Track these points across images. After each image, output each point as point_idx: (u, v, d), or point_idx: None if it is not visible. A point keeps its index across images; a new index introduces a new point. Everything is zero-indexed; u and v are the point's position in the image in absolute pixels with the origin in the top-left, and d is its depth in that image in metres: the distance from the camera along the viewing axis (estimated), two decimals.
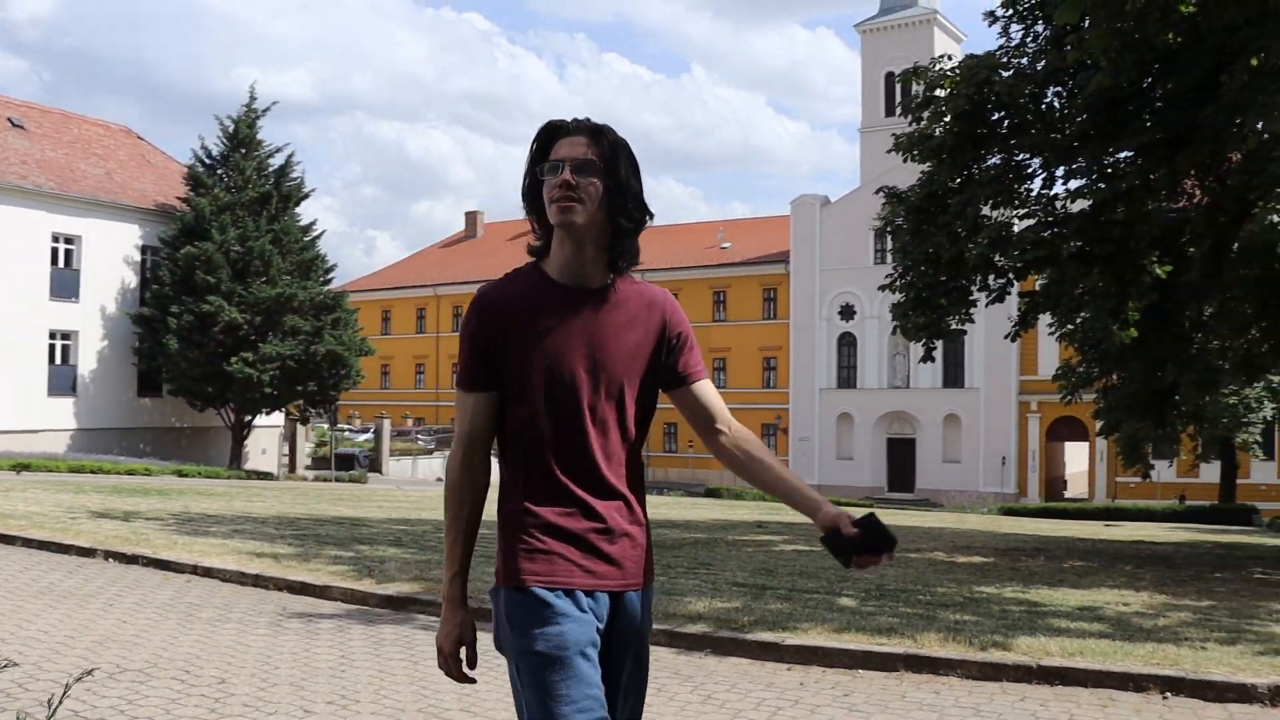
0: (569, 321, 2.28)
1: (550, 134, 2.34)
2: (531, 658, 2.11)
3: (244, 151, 36.46)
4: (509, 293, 2.32)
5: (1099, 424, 38.04)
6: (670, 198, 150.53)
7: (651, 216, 2.37)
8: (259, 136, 36.93)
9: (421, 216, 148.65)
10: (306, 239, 36.81)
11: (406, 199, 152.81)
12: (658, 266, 61.35)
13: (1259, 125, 10.12)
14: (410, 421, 62.52)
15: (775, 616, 7.10)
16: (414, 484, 37.65)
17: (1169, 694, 5.54)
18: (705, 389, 2.43)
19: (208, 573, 8.94)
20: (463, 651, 2.29)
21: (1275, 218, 9.41)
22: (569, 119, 2.38)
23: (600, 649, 2.19)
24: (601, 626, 2.22)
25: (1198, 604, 8.90)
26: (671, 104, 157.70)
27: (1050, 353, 52.31)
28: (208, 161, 36.57)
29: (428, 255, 79.50)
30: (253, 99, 37.26)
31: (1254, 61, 10.55)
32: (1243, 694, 5.45)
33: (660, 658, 6.04)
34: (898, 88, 54.95)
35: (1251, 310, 15.48)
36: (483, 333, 2.28)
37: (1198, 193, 14.63)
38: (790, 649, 6.29)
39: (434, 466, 45.63)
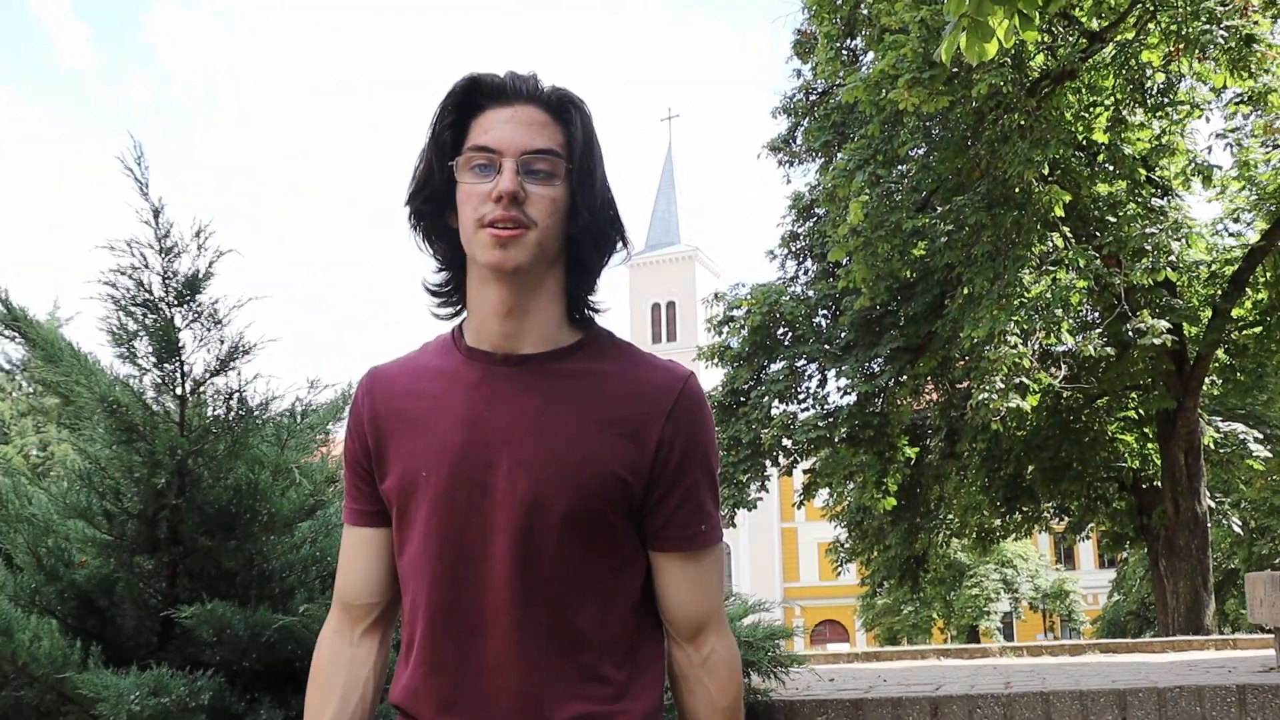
0: (477, 411, 1.35)
1: (473, 94, 1.35)
2: None
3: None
4: (397, 372, 1.45)
5: (858, 621, 42.25)
6: None
7: (629, 243, 1.44)
8: None
9: None
10: None
11: None
12: None
13: (971, 335, 13.98)
14: None
15: None
16: None
17: None
18: (677, 568, 1.41)
19: None
20: None
21: (983, 395, 13.14)
22: (504, 73, 1.37)
23: None
24: None
25: None
26: None
27: (810, 560, 57.28)
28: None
29: None
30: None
31: (965, 290, 14.61)
32: None
33: None
34: (663, 316, 60.48)
35: (977, 488, 19.59)
36: (357, 433, 1.44)
37: (934, 394, 18.76)
38: None
39: None
